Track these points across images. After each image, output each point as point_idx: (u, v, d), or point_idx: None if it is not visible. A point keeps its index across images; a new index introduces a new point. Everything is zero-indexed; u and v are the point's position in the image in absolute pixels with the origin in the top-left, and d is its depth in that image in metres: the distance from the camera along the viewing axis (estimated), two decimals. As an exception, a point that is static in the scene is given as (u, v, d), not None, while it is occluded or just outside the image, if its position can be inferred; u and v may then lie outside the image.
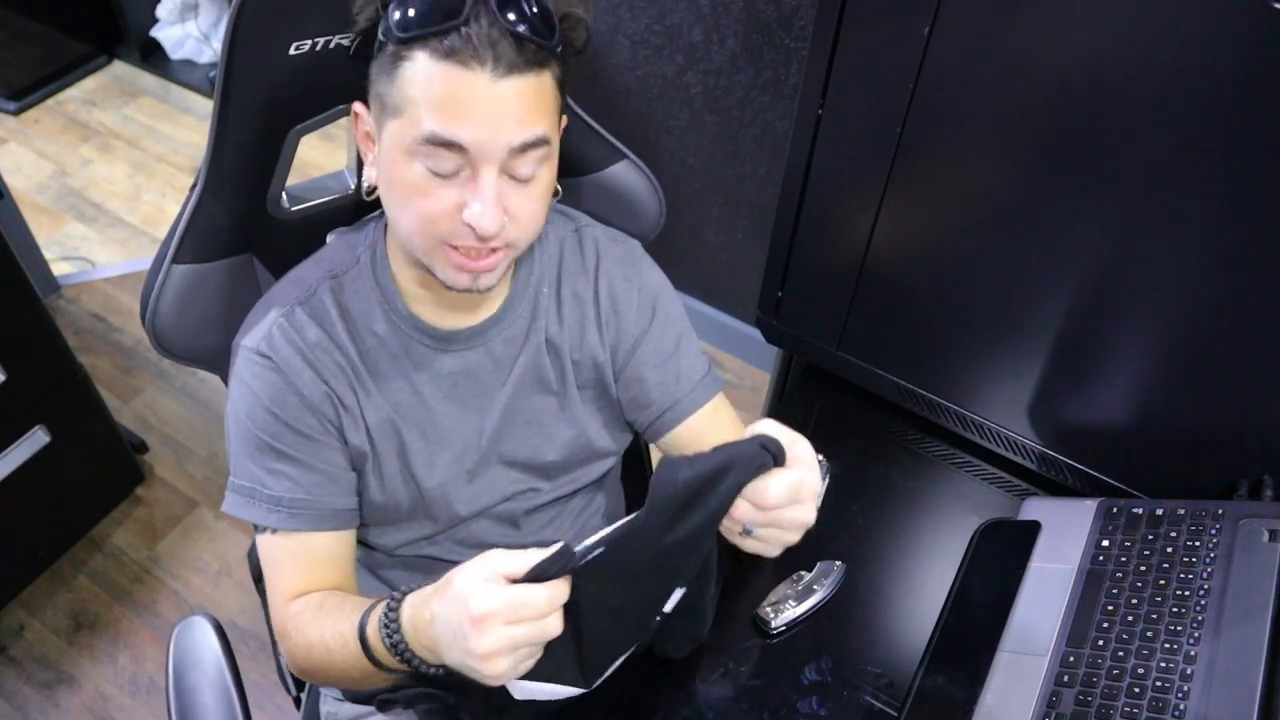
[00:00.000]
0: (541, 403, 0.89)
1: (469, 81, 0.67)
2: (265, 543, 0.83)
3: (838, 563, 0.97)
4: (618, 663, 0.73)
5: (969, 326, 1.00)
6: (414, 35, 0.67)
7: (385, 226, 0.84)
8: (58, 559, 1.77)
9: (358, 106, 0.77)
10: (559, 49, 0.71)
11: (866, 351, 1.11)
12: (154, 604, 1.74)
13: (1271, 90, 0.70)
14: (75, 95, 2.84)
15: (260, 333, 0.80)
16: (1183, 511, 0.91)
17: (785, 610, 0.93)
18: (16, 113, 2.74)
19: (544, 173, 0.74)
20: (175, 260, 0.86)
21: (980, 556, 0.97)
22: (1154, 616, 0.84)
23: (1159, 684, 0.78)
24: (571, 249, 0.89)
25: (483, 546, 0.93)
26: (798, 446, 0.67)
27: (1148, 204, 0.80)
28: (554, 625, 0.61)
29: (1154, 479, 0.97)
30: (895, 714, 0.86)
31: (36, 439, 1.58)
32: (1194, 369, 0.88)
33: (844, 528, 1.02)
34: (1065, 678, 0.83)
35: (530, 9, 0.68)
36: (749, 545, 0.69)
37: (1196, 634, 0.80)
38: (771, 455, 0.64)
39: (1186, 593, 0.84)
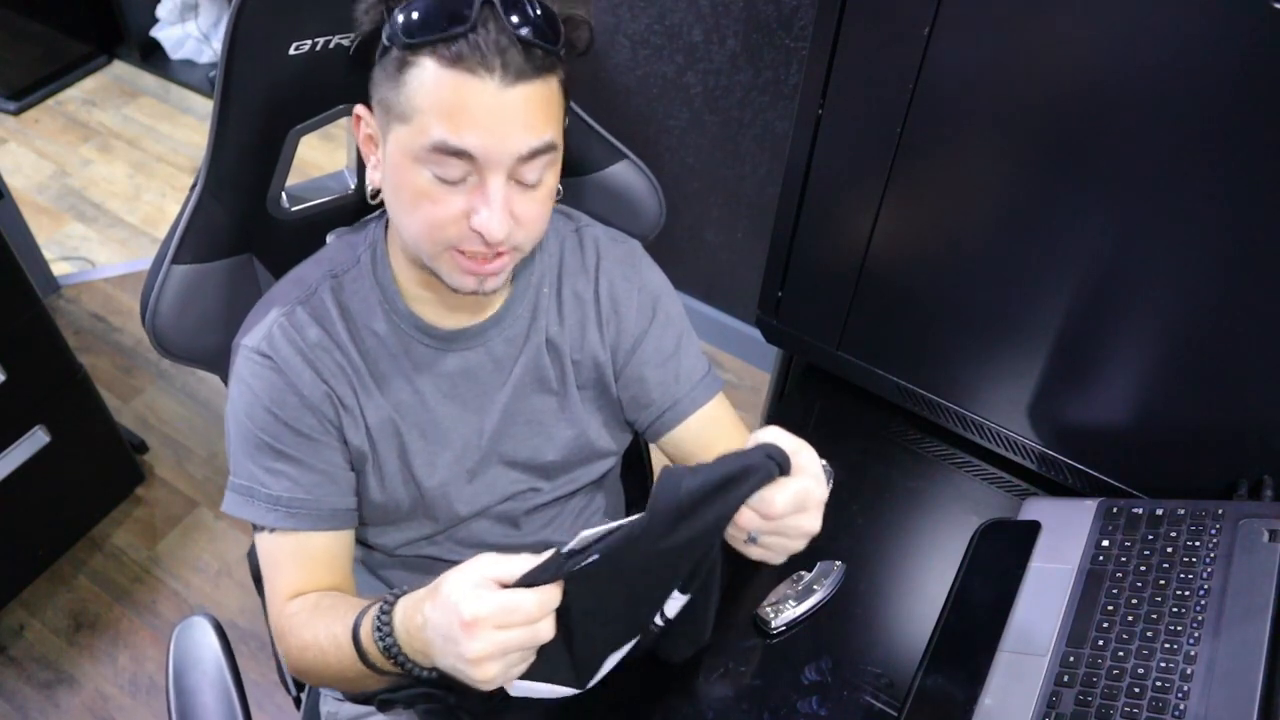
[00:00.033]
0: (542, 403, 0.89)
1: (477, 89, 0.67)
2: (264, 542, 0.83)
3: (838, 563, 0.97)
4: (613, 662, 0.72)
5: (969, 326, 1.00)
6: (420, 41, 0.67)
7: (386, 226, 0.84)
8: (58, 559, 1.78)
9: (360, 109, 0.76)
10: (563, 52, 0.71)
11: (866, 351, 1.11)
12: (154, 604, 1.74)
13: (1271, 90, 0.70)
14: (75, 95, 2.84)
15: (261, 332, 0.80)
16: (1183, 511, 0.91)
17: (785, 610, 0.93)
18: (16, 113, 2.75)
19: (549, 176, 0.74)
20: (175, 260, 0.86)
21: (980, 556, 0.97)
22: (1154, 616, 0.84)
23: (1159, 684, 0.78)
24: (572, 249, 0.89)
25: (483, 546, 0.94)
26: (803, 455, 0.66)
27: (1148, 204, 0.80)
28: (546, 630, 0.61)
29: (1154, 479, 0.97)
30: (895, 714, 0.86)
31: (36, 439, 1.58)
32: (1194, 369, 0.88)
33: (844, 528, 1.02)
34: (1065, 678, 0.83)
35: (534, 12, 0.68)
36: (754, 553, 0.69)
37: (1196, 634, 0.80)
38: (777, 464, 0.64)
39: (1186, 593, 0.84)
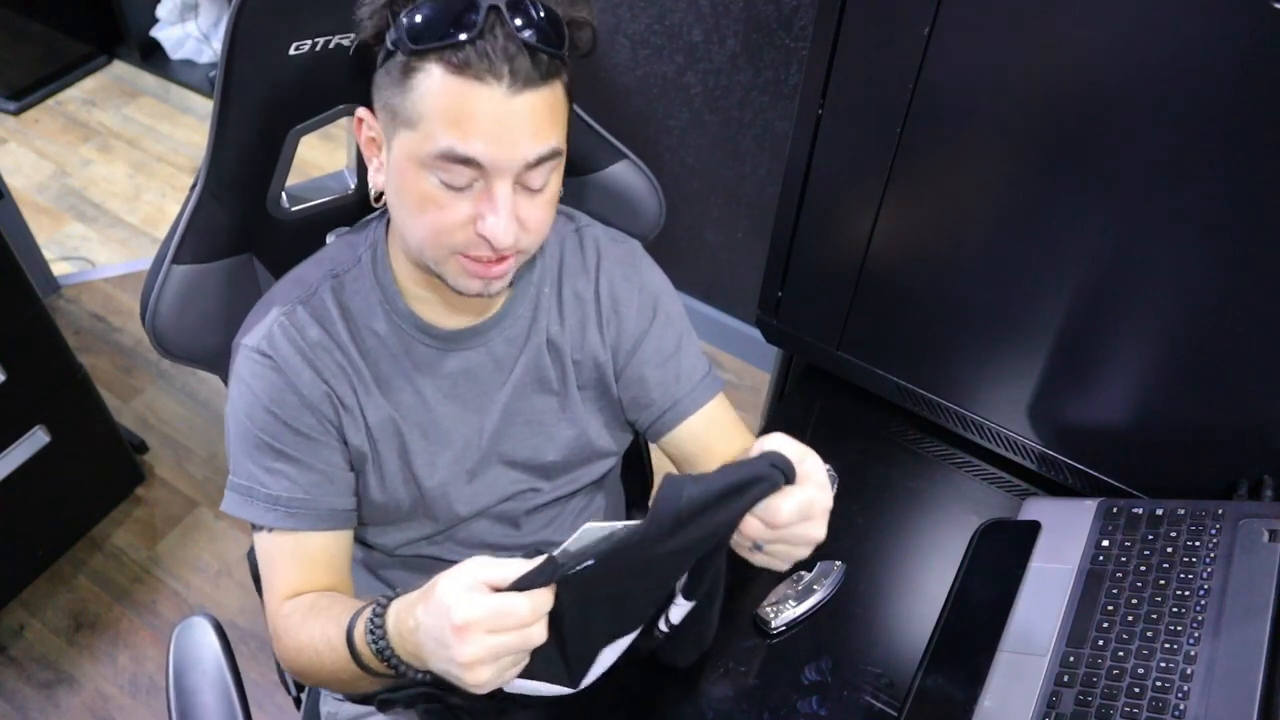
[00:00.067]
0: (542, 403, 0.89)
1: (485, 97, 0.66)
2: (262, 542, 0.83)
3: (838, 563, 0.97)
4: (608, 662, 0.72)
5: (969, 326, 1.00)
6: (427, 48, 0.66)
7: (387, 226, 0.84)
8: (58, 559, 1.78)
9: (362, 112, 0.76)
10: (567, 55, 0.71)
11: (866, 351, 1.11)
12: (154, 604, 1.74)
13: (1271, 90, 0.70)
14: (75, 95, 2.84)
15: (261, 331, 0.80)
16: (1183, 511, 0.91)
17: (785, 610, 0.93)
18: (16, 113, 2.74)
19: (554, 180, 0.75)
20: (175, 260, 0.86)
21: (980, 556, 0.97)
22: (1154, 616, 0.84)
23: (1159, 684, 0.78)
24: (572, 249, 0.89)
25: (483, 546, 0.94)
26: (807, 462, 0.66)
27: (1148, 204, 0.80)
28: (538, 634, 0.60)
29: (1154, 479, 0.97)
30: (895, 714, 0.86)
31: (36, 439, 1.58)
32: (1194, 369, 0.88)
33: (844, 528, 1.02)
34: (1065, 678, 0.83)
35: (538, 14, 0.68)
36: (759, 560, 0.69)
37: (1196, 634, 0.80)
38: (782, 473, 0.64)
39: (1186, 593, 0.84)
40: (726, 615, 0.93)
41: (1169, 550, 0.88)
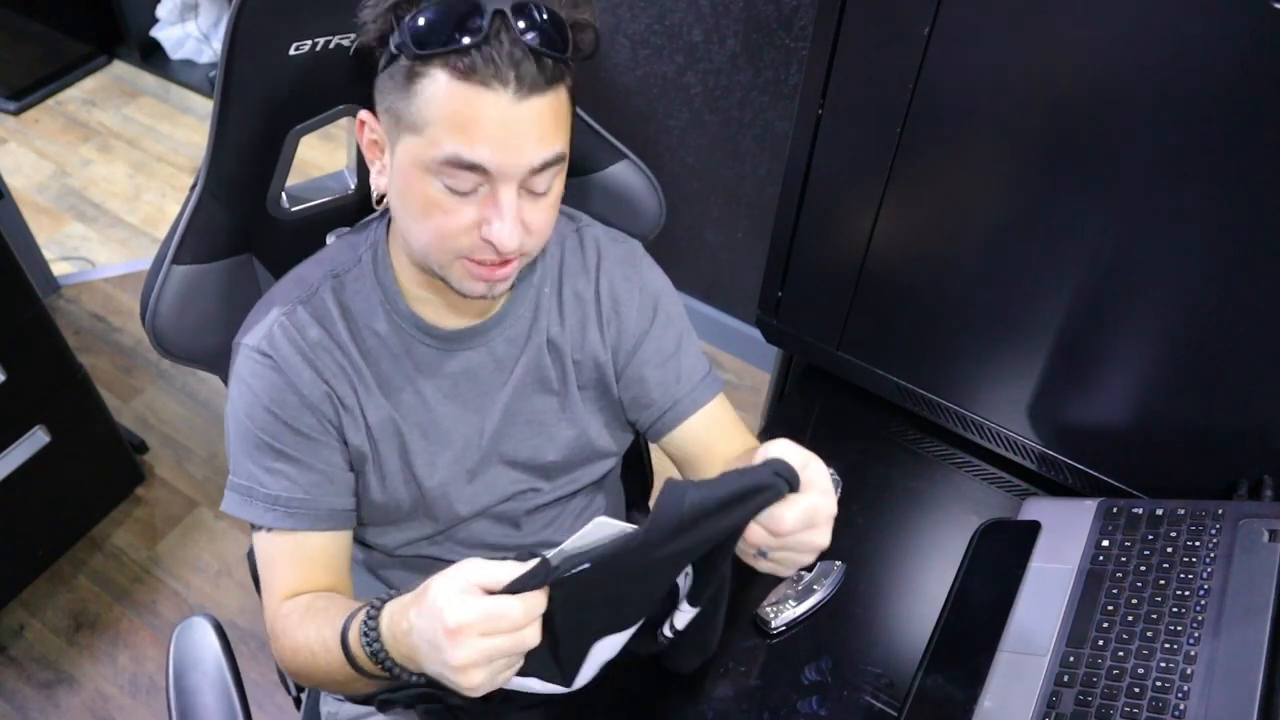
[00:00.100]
0: (542, 403, 0.89)
1: (490, 103, 0.66)
2: (261, 542, 0.83)
3: (838, 563, 0.97)
4: (602, 661, 0.72)
5: (969, 326, 1.00)
6: (432, 53, 0.66)
7: (387, 226, 0.84)
8: (58, 559, 1.78)
9: (364, 114, 0.76)
10: (571, 58, 0.71)
11: (866, 351, 1.11)
12: (154, 604, 1.74)
13: (1271, 90, 0.70)
14: (75, 95, 2.84)
15: (261, 331, 0.80)
16: (1183, 511, 0.91)
17: (785, 610, 0.93)
18: (16, 113, 2.74)
19: (558, 184, 0.75)
20: (175, 260, 0.86)
21: (980, 556, 0.97)
22: (1154, 616, 0.84)
23: (1159, 684, 0.78)
24: (572, 249, 0.89)
25: (483, 547, 0.94)
26: (811, 469, 0.65)
27: (1148, 204, 0.80)
28: (531, 637, 0.60)
29: (1154, 479, 0.97)
30: (895, 714, 0.86)
31: (36, 439, 1.58)
32: (1194, 369, 0.88)
33: (844, 528, 1.02)
34: (1065, 678, 0.83)
35: (542, 18, 0.68)
36: (763, 566, 0.69)
37: (1196, 634, 0.80)
38: (785, 481, 0.63)
39: (1186, 593, 0.84)
40: (727, 615, 0.93)
41: (1169, 550, 0.88)
